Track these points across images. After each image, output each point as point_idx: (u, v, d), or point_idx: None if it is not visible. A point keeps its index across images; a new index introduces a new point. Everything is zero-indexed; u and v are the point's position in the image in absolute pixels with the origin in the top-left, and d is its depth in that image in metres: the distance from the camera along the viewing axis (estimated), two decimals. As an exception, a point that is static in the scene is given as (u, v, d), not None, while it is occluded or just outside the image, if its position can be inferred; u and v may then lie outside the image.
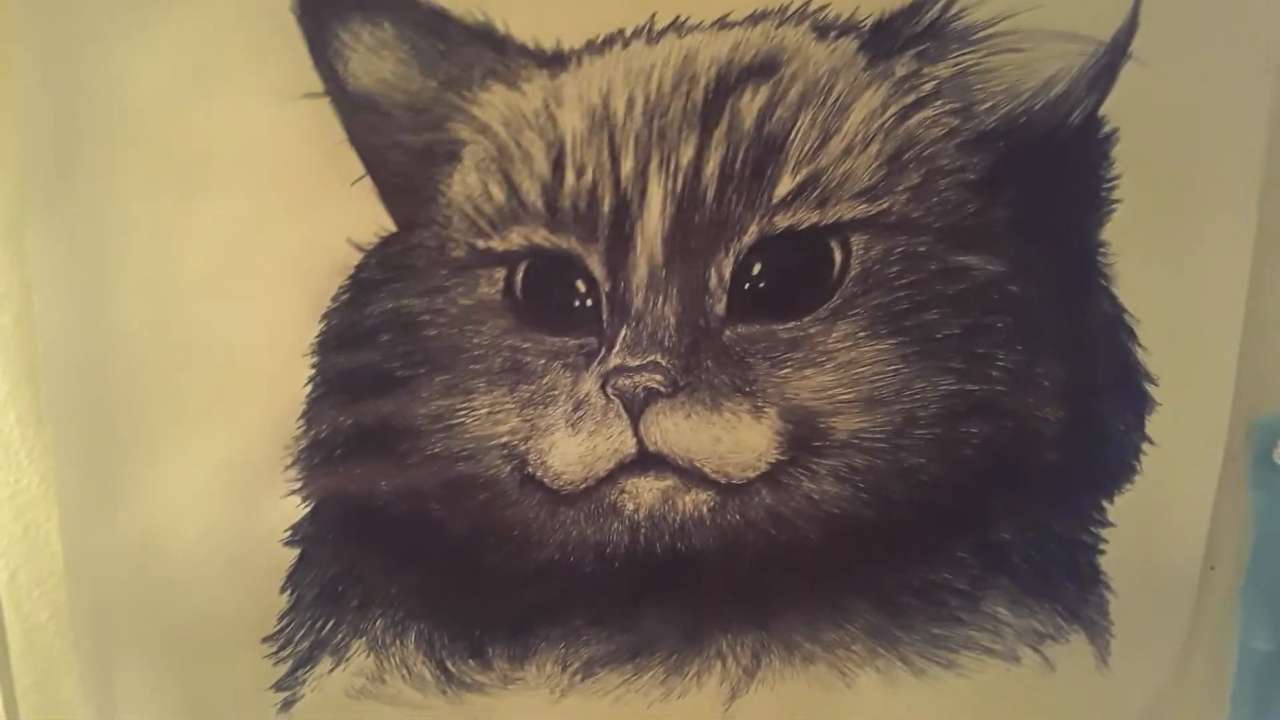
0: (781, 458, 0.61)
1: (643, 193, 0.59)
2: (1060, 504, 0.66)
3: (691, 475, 0.61)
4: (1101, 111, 0.60)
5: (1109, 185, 0.61)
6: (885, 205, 0.59)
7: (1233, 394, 0.65)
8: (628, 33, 0.59)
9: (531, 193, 0.60)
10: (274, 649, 0.68)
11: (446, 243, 0.62)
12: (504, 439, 0.63)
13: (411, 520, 0.65)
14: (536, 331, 0.62)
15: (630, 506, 0.63)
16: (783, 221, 0.59)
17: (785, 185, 0.59)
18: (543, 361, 0.62)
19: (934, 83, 0.59)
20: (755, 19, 0.59)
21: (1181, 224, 0.63)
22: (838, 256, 0.60)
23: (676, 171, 0.59)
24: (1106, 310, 0.63)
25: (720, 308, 0.60)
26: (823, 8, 0.59)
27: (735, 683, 0.67)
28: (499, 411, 0.63)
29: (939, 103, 0.59)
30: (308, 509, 0.66)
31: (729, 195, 0.59)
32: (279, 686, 0.68)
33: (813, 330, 0.60)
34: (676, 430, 0.60)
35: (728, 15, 0.59)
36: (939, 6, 0.59)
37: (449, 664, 0.68)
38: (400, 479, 0.64)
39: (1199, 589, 0.69)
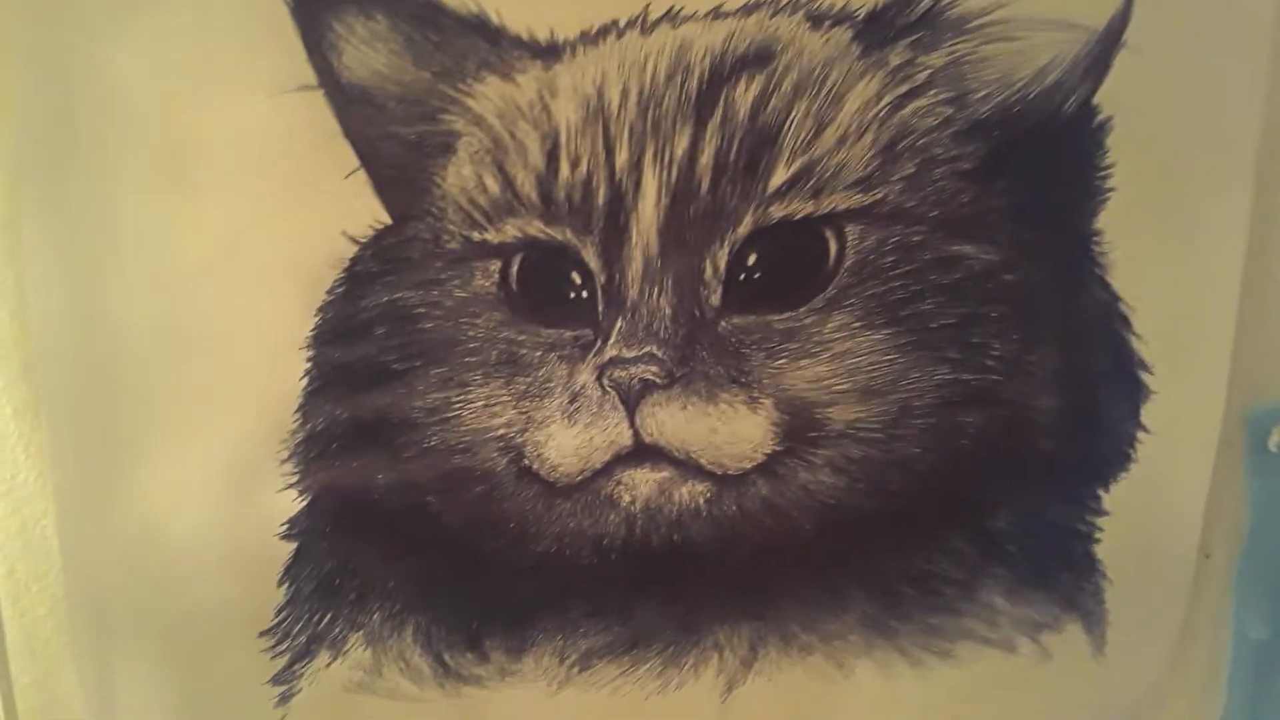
0: (778, 449, 0.61)
1: (637, 184, 0.59)
2: (1056, 493, 0.66)
3: (688, 467, 0.61)
4: (1096, 100, 0.60)
5: (1103, 174, 0.61)
6: (880, 195, 0.59)
7: (1228, 382, 0.65)
8: (622, 23, 0.59)
9: (526, 184, 0.60)
10: (271, 643, 0.67)
11: (441, 235, 0.62)
12: (500, 431, 0.63)
13: (408, 513, 0.65)
14: (532, 324, 0.62)
15: (627, 498, 0.62)
16: (777, 212, 0.59)
17: (780, 176, 0.59)
18: (538, 354, 0.62)
19: (928, 72, 0.59)
20: (749, 9, 0.59)
21: (1176, 212, 0.63)
22: (832, 247, 0.60)
23: (671, 162, 0.59)
24: (1101, 299, 0.63)
25: (715, 299, 0.60)
26: (816, -2, 0.59)
27: (732, 674, 0.67)
28: (495, 404, 0.63)
29: (933, 92, 0.60)
30: (304, 502, 0.65)
31: (724, 186, 0.59)
32: (276, 680, 0.68)
33: (808, 321, 0.60)
34: (672, 422, 0.60)
35: (721, 5, 0.59)
36: (932, -5, 0.59)
37: (446, 657, 0.67)
38: (396, 472, 0.64)
39: (1195, 577, 0.69)
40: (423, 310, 0.62)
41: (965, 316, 0.61)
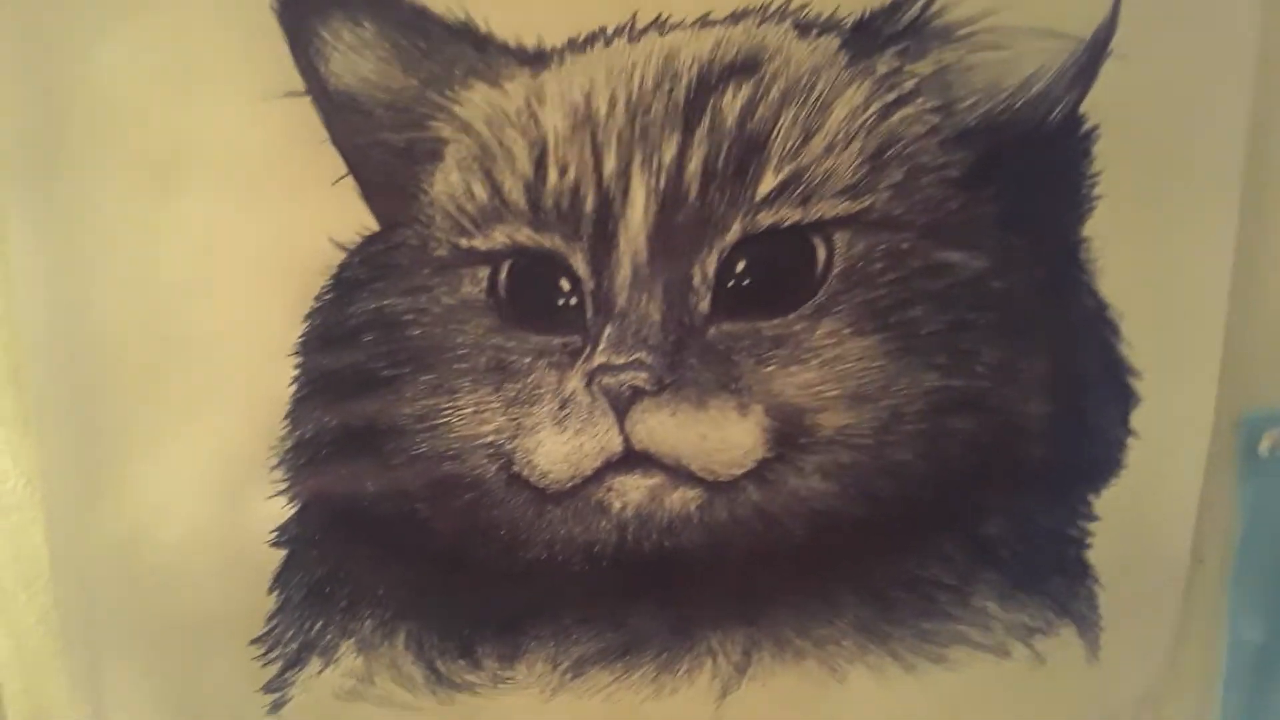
0: (768, 455, 0.61)
1: (625, 191, 0.59)
2: (1046, 498, 0.66)
3: (678, 473, 0.61)
4: (1082, 108, 0.60)
5: (1091, 181, 0.61)
6: (868, 203, 0.59)
7: (1218, 387, 0.65)
8: (609, 30, 0.59)
9: (514, 191, 0.60)
10: (262, 650, 0.67)
11: (429, 242, 0.62)
12: (489, 438, 0.63)
13: (398, 520, 0.65)
14: (521, 330, 0.62)
15: (617, 505, 0.62)
16: (766, 219, 0.59)
17: (768, 183, 0.59)
18: (527, 360, 0.62)
19: (915, 80, 0.59)
20: (736, 17, 0.59)
21: (1164, 219, 0.63)
22: (821, 254, 0.60)
23: (659, 170, 0.59)
24: (1089, 305, 0.63)
25: (704, 305, 0.60)
26: (804, 6, 0.59)
27: (726, 679, 0.67)
28: (484, 411, 0.62)
29: (920, 100, 0.59)
30: (294, 510, 0.65)
31: (712, 193, 0.59)
32: (268, 688, 0.68)
33: (797, 327, 0.60)
34: (662, 428, 0.60)
35: (709, 13, 0.59)
36: (919, 5, 0.59)
37: (438, 664, 0.67)
38: (386, 479, 0.64)
39: (1188, 582, 0.69)
40: (411, 317, 0.62)
41: (954, 323, 0.61)
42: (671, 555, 0.63)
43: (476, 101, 0.61)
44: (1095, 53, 0.59)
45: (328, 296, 0.62)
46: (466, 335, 0.62)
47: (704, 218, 0.59)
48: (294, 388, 0.64)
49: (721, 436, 0.60)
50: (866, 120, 0.59)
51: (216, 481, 0.65)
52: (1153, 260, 0.63)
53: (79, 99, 0.61)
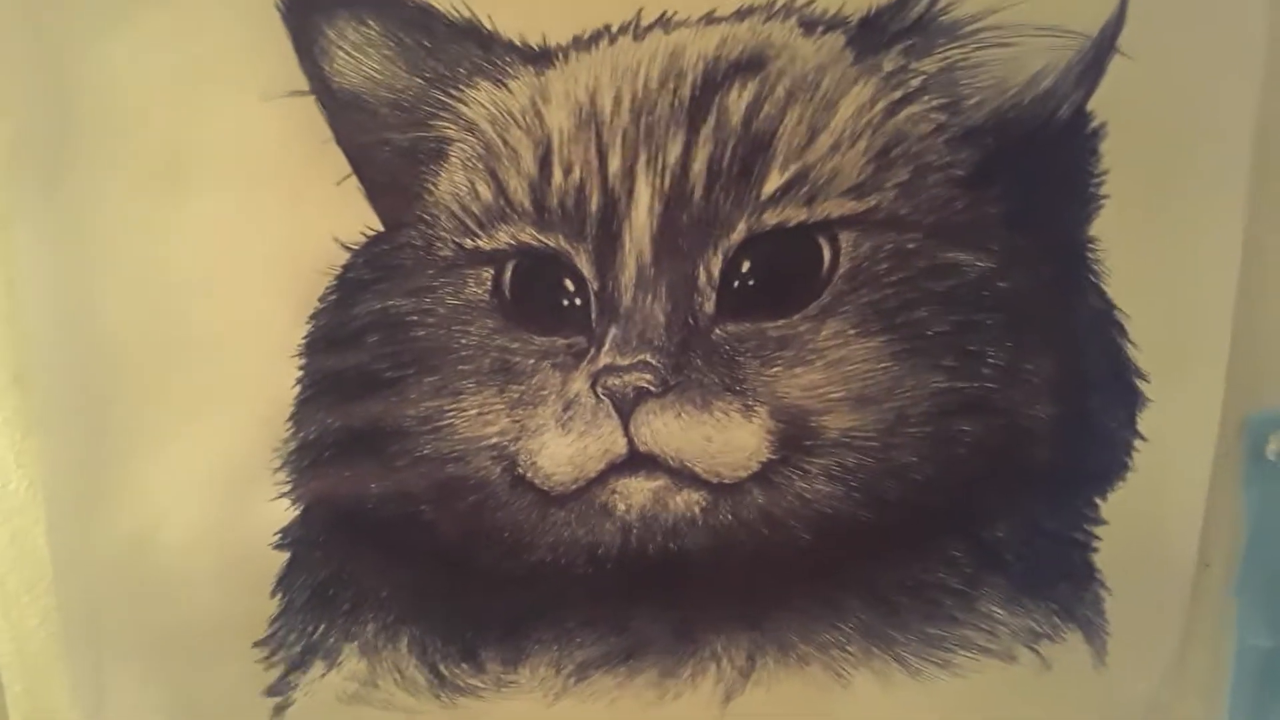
0: (773, 457, 0.61)
1: (630, 191, 0.59)
2: (1053, 502, 0.66)
3: (683, 475, 0.61)
4: (1089, 106, 0.60)
5: (1097, 180, 0.61)
6: (874, 202, 0.59)
7: (1224, 390, 0.65)
8: (614, 28, 0.59)
9: (519, 191, 0.60)
10: (265, 653, 0.67)
11: (434, 242, 0.62)
12: (494, 440, 0.63)
13: (402, 523, 0.65)
14: (525, 331, 0.62)
15: (621, 507, 0.62)
16: (771, 219, 0.59)
17: (773, 182, 0.58)
18: (532, 361, 0.62)
19: (921, 78, 0.59)
20: (742, 14, 0.59)
21: (1171, 219, 0.62)
22: (826, 254, 0.59)
23: (664, 169, 0.59)
24: (1096, 306, 0.63)
25: (709, 306, 0.59)
26: (809, 3, 0.59)
27: (730, 684, 0.67)
28: (488, 412, 0.62)
29: (926, 98, 0.59)
30: (297, 512, 0.65)
31: (717, 193, 0.59)
32: (271, 691, 0.68)
33: (802, 328, 0.60)
34: (667, 430, 0.60)
35: (714, 11, 0.59)
36: (925, 1, 0.59)
37: (442, 667, 0.67)
38: (390, 481, 0.64)
39: (1194, 585, 0.68)
40: (415, 318, 0.62)
41: (960, 324, 0.61)
42: (675, 558, 0.63)
43: (481, 100, 0.61)
44: (1102, 50, 0.59)
45: (332, 297, 0.63)
46: (470, 336, 0.62)
47: (709, 217, 0.59)
48: (298, 389, 0.64)
49: (726, 438, 0.60)
50: (872, 118, 0.59)
51: (220, 484, 0.65)
52: (1160, 261, 0.63)
53: (84, 99, 0.61)
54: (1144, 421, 0.65)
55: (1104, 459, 0.65)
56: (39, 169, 0.62)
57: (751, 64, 0.59)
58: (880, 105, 0.59)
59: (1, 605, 0.70)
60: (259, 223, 0.62)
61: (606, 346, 0.60)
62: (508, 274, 0.61)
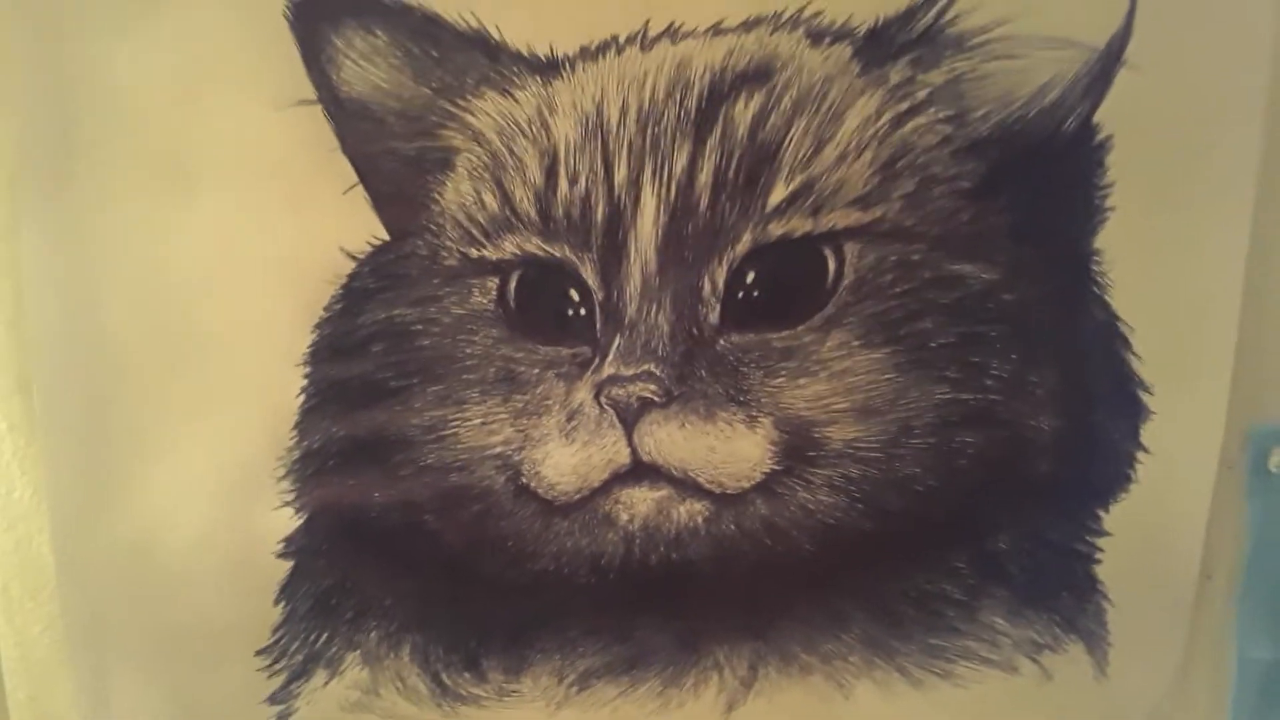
0: (776, 468, 0.61)
1: (636, 201, 0.59)
2: (1056, 513, 0.66)
3: (686, 485, 0.61)
4: (1095, 119, 0.60)
5: (1103, 193, 0.61)
6: (879, 213, 0.59)
7: (1228, 402, 0.65)
8: (621, 39, 0.59)
9: (525, 201, 0.60)
10: (268, 661, 0.67)
11: (439, 251, 0.62)
12: (497, 449, 0.63)
13: (405, 532, 0.65)
14: (530, 341, 0.62)
15: (625, 517, 0.62)
16: (776, 230, 0.59)
17: (779, 193, 0.59)
18: (536, 371, 0.62)
19: (928, 90, 0.59)
20: (749, 25, 0.59)
21: (1176, 232, 0.63)
22: (831, 265, 0.60)
23: (670, 179, 0.59)
24: (1100, 318, 0.63)
25: (714, 316, 0.60)
26: (817, 14, 0.59)
27: (732, 694, 0.67)
28: (492, 422, 0.62)
29: (933, 110, 0.60)
30: (301, 520, 0.65)
31: (722, 203, 0.59)
32: (273, 700, 0.68)
33: (807, 339, 0.60)
34: (670, 440, 0.60)
35: (721, 22, 0.59)
36: (933, 13, 0.59)
37: (444, 676, 0.67)
38: (394, 490, 0.64)
39: (1196, 598, 0.68)
40: (420, 327, 0.62)
41: (964, 336, 0.61)
42: (678, 568, 0.63)
43: (488, 110, 0.61)
44: (1109, 63, 0.59)
45: (337, 306, 0.63)
46: (475, 346, 0.62)
47: (714, 228, 0.59)
48: (302, 398, 0.64)
49: (730, 449, 0.60)
50: (878, 130, 0.59)
51: (223, 491, 0.65)
52: (1164, 273, 0.63)
53: (91, 105, 0.61)
54: (1147, 433, 0.65)
55: (1107, 471, 0.65)
56: (45, 175, 0.62)
57: (758, 75, 0.59)
58: (886, 116, 0.59)
59: (5, 611, 0.70)
60: (264, 230, 0.62)
61: (611, 357, 0.60)
62: (513, 284, 0.62)
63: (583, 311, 0.61)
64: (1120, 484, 0.66)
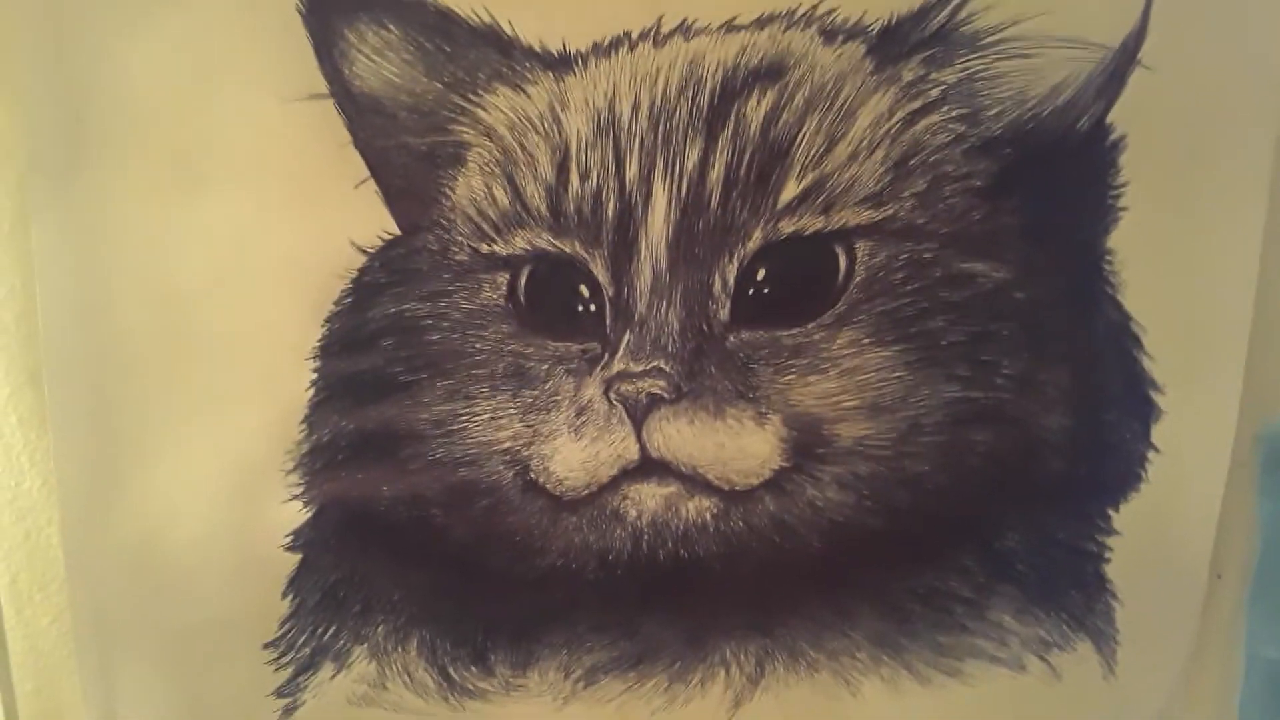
0: (785, 464, 0.61)
1: (647, 197, 0.59)
2: (1066, 512, 0.66)
3: (695, 482, 0.61)
4: (1109, 118, 0.60)
5: (1116, 192, 0.61)
6: (891, 211, 0.59)
7: (1240, 402, 0.65)
8: (634, 35, 0.59)
9: (535, 196, 0.60)
10: (275, 655, 0.67)
11: (450, 246, 0.62)
12: (506, 444, 0.63)
13: (413, 526, 0.65)
14: (539, 336, 0.62)
15: (633, 513, 0.62)
16: (787, 227, 0.59)
17: (790, 191, 0.58)
18: (545, 367, 0.62)
19: (941, 88, 0.59)
20: (762, 22, 0.59)
21: (1189, 232, 0.62)
22: (842, 262, 0.59)
23: (681, 176, 0.59)
24: (1113, 318, 0.63)
25: (724, 313, 0.59)
26: (830, 12, 0.59)
27: (739, 690, 0.67)
28: (501, 417, 0.62)
29: (946, 108, 0.59)
30: (310, 514, 0.65)
31: (734, 200, 0.59)
32: (280, 693, 0.68)
33: (817, 336, 0.60)
34: (680, 436, 0.60)
35: (734, 18, 0.59)
36: (947, 11, 0.58)
37: (451, 670, 0.67)
38: (402, 484, 0.64)
39: (1206, 597, 0.68)
40: (430, 322, 0.62)
41: (975, 334, 0.61)
42: (687, 564, 0.63)
43: (500, 105, 0.61)
44: (1124, 62, 0.59)
45: (347, 300, 0.63)
46: (485, 341, 0.62)
47: (725, 225, 0.59)
48: (311, 391, 0.64)
49: (739, 446, 0.60)
50: (891, 128, 0.59)
51: (232, 484, 0.65)
52: (1177, 273, 0.63)
53: (102, 100, 0.61)
54: (1158, 433, 0.65)
55: (1118, 470, 0.65)
56: (56, 170, 0.62)
57: (771, 72, 0.59)
58: (899, 115, 0.59)
59: (14, 604, 0.70)
60: (275, 224, 0.62)
61: (620, 352, 0.60)
62: (523, 279, 0.61)
63: (593, 307, 0.60)
64: (1131, 483, 0.65)
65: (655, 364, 0.59)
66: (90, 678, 0.68)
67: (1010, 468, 0.63)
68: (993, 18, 0.58)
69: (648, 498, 0.62)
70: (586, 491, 0.62)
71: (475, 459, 0.63)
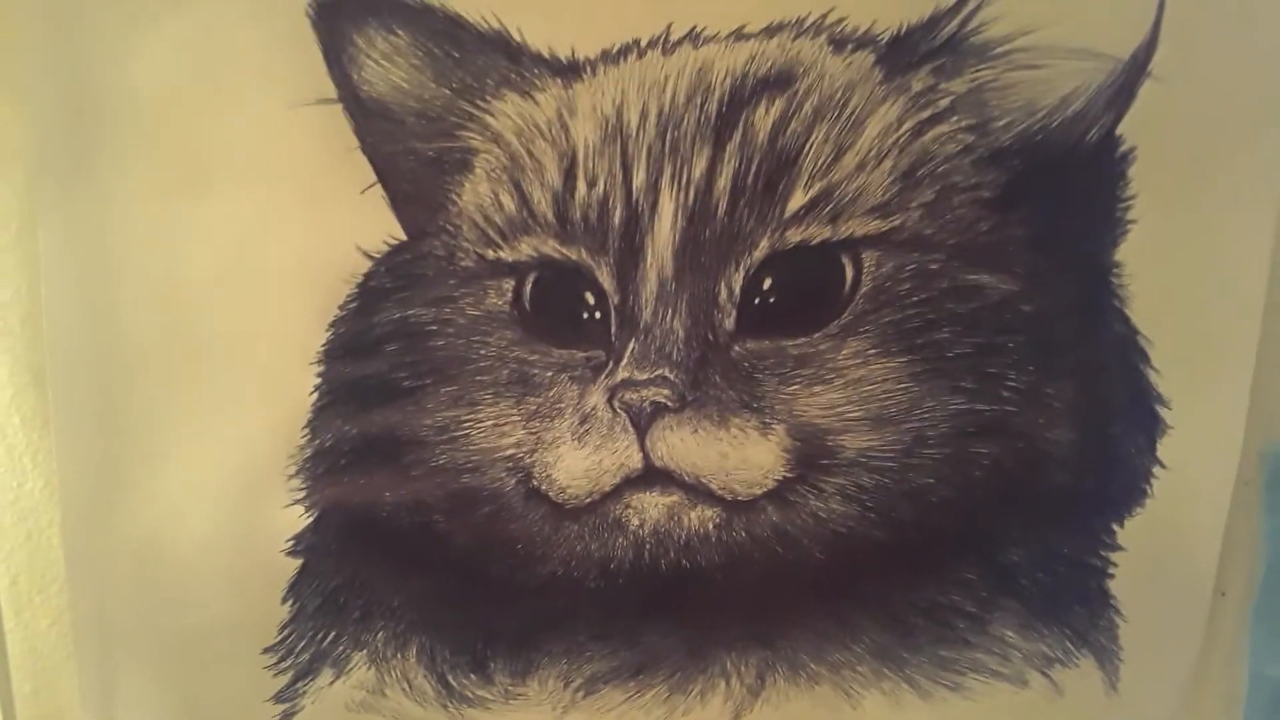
0: (789, 475, 0.61)
1: (654, 205, 0.59)
2: (1070, 527, 0.66)
3: (698, 491, 0.61)
4: (1119, 130, 0.60)
5: (1125, 205, 0.61)
6: (898, 222, 0.59)
7: (1246, 419, 0.65)
8: (643, 43, 0.59)
9: (542, 203, 0.60)
10: (274, 660, 0.67)
11: (456, 252, 0.62)
12: (509, 451, 0.62)
13: (415, 532, 0.64)
14: (544, 343, 0.62)
15: (635, 522, 0.62)
16: (794, 236, 0.59)
17: (797, 200, 0.58)
18: (549, 374, 0.62)
19: (950, 98, 0.59)
20: (772, 31, 0.59)
21: (1197, 246, 0.62)
22: (849, 272, 0.59)
23: (688, 184, 0.59)
24: (1119, 331, 0.63)
25: (729, 322, 0.59)
26: (840, 21, 0.59)
27: (739, 701, 0.67)
28: (505, 424, 0.62)
29: (955, 119, 0.59)
30: (311, 519, 0.65)
31: (741, 209, 0.58)
32: (279, 698, 0.68)
33: (822, 347, 0.60)
34: (683, 446, 0.60)
35: (744, 27, 0.59)
36: (957, 21, 0.58)
37: (450, 678, 0.67)
38: (404, 490, 0.64)
39: (1210, 614, 0.68)
40: (435, 328, 0.62)
41: (981, 346, 0.60)
42: (688, 574, 0.63)
43: (508, 112, 0.61)
44: (1134, 74, 0.59)
45: (352, 305, 0.63)
46: (489, 347, 0.62)
47: (732, 234, 0.59)
48: (315, 396, 0.64)
49: (742, 455, 0.60)
50: (899, 138, 0.59)
51: (234, 488, 0.65)
52: (1185, 287, 0.63)
53: (110, 102, 0.61)
54: (1164, 448, 0.64)
55: (1123, 485, 0.65)
56: (62, 172, 0.62)
57: (779, 81, 0.59)
58: (908, 125, 0.59)
59: (14, 605, 0.70)
60: (281, 228, 0.62)
61: (625, 361, 0.60)
62: (528, 286, 0.61)
63: (598, 315, 0.60)
64: (1135, 498, 0.65)
65: (660, 372, 0.59)
66: (89, 680, 0.68)
67: (1015, 481, 0.63)
68: (1002, 28, 0.58)
69: (650, 507, 0.62)
70: (589, 500, 0.62)
71: (478, 466, 0.63)
